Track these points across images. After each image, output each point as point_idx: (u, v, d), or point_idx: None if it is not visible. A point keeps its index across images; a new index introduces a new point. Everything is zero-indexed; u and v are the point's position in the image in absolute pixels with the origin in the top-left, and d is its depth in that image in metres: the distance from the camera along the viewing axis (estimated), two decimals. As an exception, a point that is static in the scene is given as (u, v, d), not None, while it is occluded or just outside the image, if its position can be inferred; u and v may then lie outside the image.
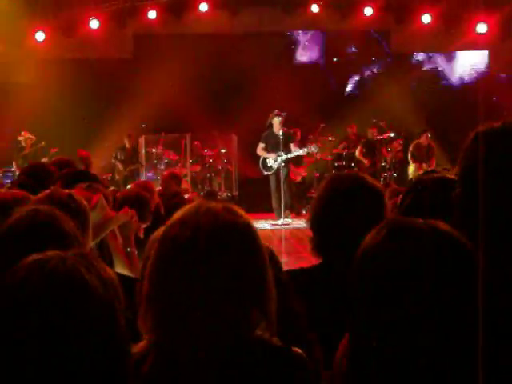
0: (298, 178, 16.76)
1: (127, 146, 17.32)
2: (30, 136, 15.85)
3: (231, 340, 1.77)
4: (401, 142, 17.64)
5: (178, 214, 1.85)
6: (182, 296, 1.75)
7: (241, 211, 1.88)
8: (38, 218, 2.34)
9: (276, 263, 2.40)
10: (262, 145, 15.56)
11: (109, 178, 16.33)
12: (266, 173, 15.63)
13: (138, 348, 1.78)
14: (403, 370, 1.40)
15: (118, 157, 17.12)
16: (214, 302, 1.73)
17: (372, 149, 16.77)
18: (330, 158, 17.71)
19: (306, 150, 15.53)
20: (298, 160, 16.49)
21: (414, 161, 16.69)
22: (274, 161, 15.23)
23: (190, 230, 1.77)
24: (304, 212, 16.36)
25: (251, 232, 1.83)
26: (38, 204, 2.73)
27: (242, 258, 1.77)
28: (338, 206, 2.91)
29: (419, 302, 1.39)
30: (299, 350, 1.91)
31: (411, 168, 16.83)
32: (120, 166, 16.98)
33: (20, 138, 15.82)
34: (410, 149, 16.85)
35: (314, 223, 2.98)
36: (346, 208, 2.88)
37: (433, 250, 1.42)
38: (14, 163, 15.48)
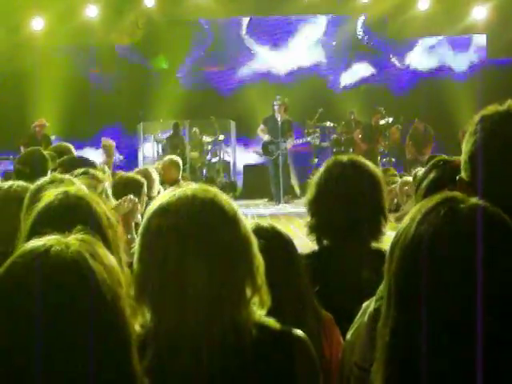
0: None
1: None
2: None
3: (229, 323, 1.76)
4: (399, 126, 17.57)
5: (155, 204, 1.85)
6: (173, 282, 1.75)
7: (215, 189, 1.88)
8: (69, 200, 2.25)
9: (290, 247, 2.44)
10: (261, 126, 15.72)
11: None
12: (266, 157, 15.66)
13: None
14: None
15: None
16: (207, 283, 1.73)
17: (371, 134, 16.71)
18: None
19: (308, 139, 15.89)
20: None
21: (413, 144, 16.66)
22: (275, 148, 15.24)
23: (171, 216, 1.78)
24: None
25: (230, 206, 1.83)
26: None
27: (224, 233, 1.78)
28: (334, 189, 2.92)
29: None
30: (301, 333, 1.89)
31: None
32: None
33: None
34: (409, 133, 16.87)
35: (311, 206, 3.01)
36: (342, 191, 2.89)
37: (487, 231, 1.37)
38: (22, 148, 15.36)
